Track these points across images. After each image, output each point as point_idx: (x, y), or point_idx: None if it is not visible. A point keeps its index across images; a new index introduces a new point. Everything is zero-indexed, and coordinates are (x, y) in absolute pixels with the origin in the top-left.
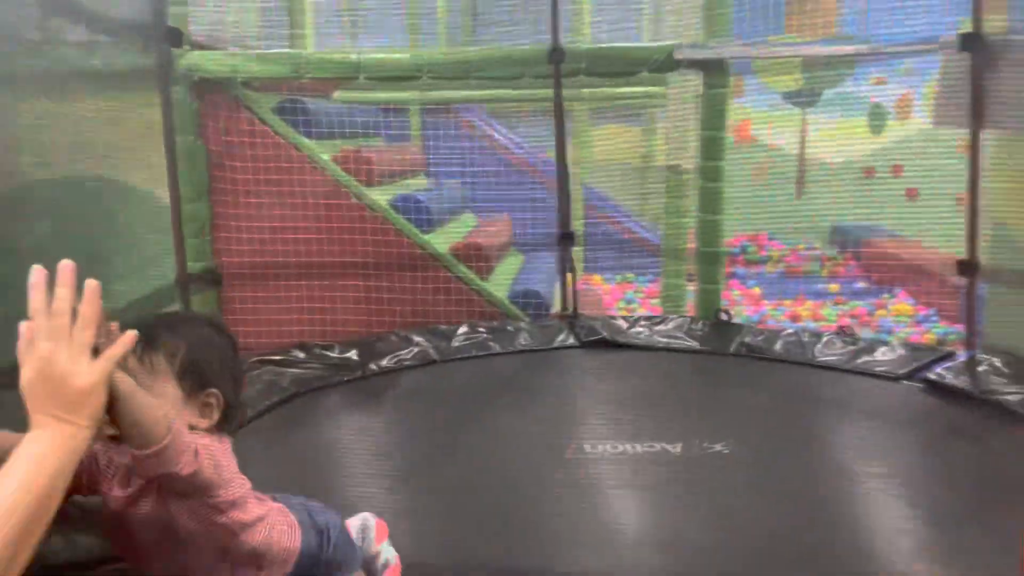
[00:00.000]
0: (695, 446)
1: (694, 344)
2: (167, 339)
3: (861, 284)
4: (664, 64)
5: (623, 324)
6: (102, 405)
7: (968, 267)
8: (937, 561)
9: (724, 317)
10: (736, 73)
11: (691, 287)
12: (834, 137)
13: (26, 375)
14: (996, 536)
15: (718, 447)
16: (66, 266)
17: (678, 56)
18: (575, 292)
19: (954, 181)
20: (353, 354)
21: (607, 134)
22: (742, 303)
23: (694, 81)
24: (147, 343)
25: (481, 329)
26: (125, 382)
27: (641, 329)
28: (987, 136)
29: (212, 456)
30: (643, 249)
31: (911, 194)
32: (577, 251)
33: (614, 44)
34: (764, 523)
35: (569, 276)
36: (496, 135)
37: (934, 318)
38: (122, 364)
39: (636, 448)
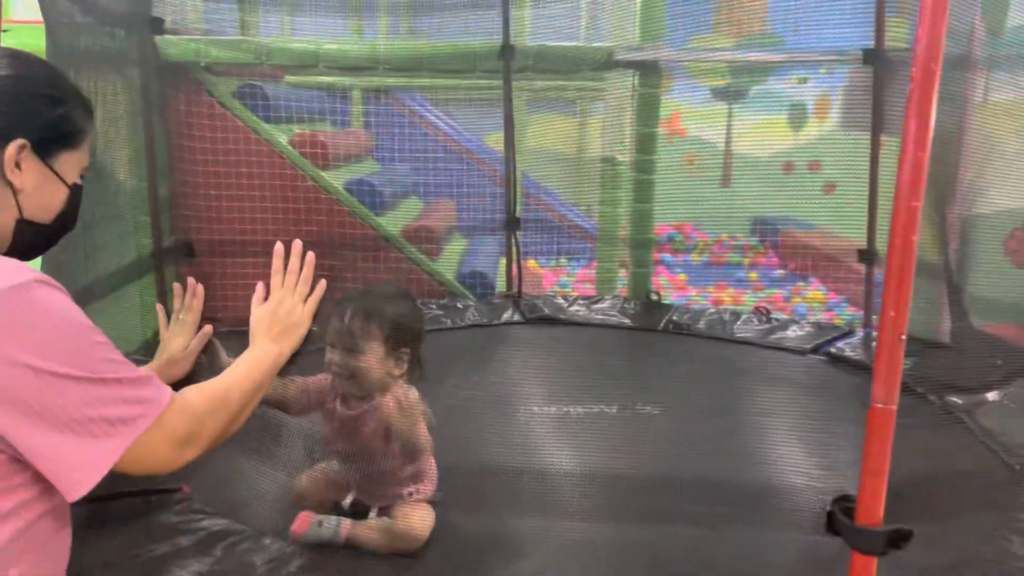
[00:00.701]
0: (629, 407)
1: (627, 321)
2: (380, 312)
3: (778, 273)
4: (604, 64)
5: (563, 303)
6: (302, 338)
7: (867, 255)
8: (822, 489)
9: (654, 298)
10: (668, 71)
11: (623, 273)
12: (758, 132)
13: (258, 312)
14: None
15: (648, 408)
16: (297, 244)
17: (617, 57)
18: (520, 273)
19: (866, 179)
20: (314, 327)
21: (543, 123)
22: (669, 289)
23: (629, 80)
24: (366, 314)
25: (433, 305)
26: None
27: (579, 308)
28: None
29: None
30: (577, 236)
31: (828, 189)
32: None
33: (559, 44)
34: (687, 467)
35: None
36: (437, 122)
37: (844, 304)
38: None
39: (578, 409)
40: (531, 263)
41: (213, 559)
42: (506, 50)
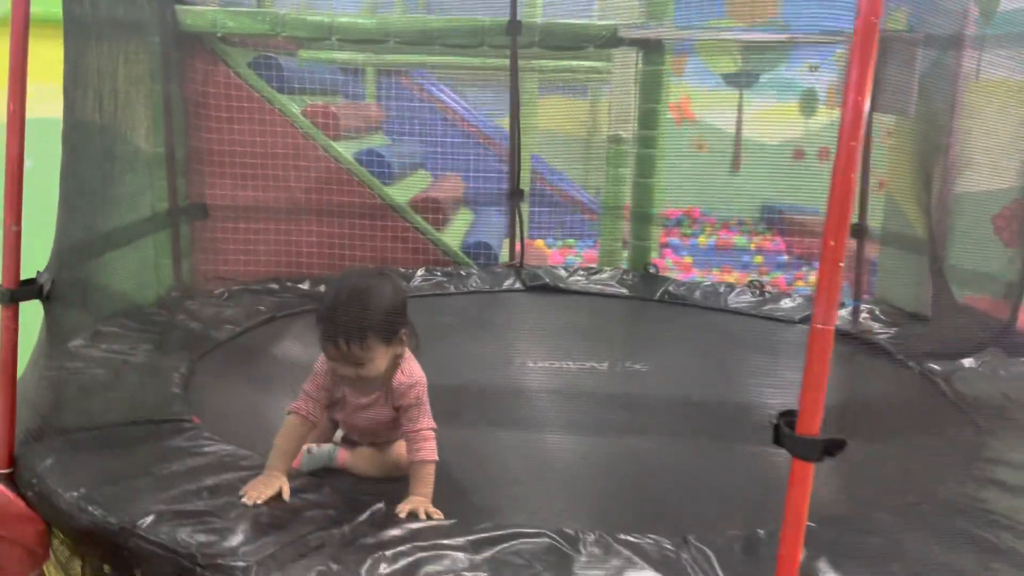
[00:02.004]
0: (619, 365)
1: (624, 291)
2: (370, 324)
3: (784, 257)
4: (609, 41)
5: (563, 273)
6: None
7: (857, 230)
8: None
9: (652, 270)
10: (678, 53)
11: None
12: (769, 119)
13: None
14: (872, 430)
15: (638, 366)
16: None
17: (621, 34)
18: (523, 243)
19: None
20: (322, 287)
21: (554, 105)
22: (674, 270)
23: (634, 57)
24: (360, 336)
25: (437, 272)
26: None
27: (579, 277)
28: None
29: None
30: (585, 216)
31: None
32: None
33: (565, 20)
34: (668, 414)
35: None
36: (448, 100)
37: (846, 289)
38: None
39: (571, 365)
40: (539, 243)
41: (220, 476)
42: (512, 25)
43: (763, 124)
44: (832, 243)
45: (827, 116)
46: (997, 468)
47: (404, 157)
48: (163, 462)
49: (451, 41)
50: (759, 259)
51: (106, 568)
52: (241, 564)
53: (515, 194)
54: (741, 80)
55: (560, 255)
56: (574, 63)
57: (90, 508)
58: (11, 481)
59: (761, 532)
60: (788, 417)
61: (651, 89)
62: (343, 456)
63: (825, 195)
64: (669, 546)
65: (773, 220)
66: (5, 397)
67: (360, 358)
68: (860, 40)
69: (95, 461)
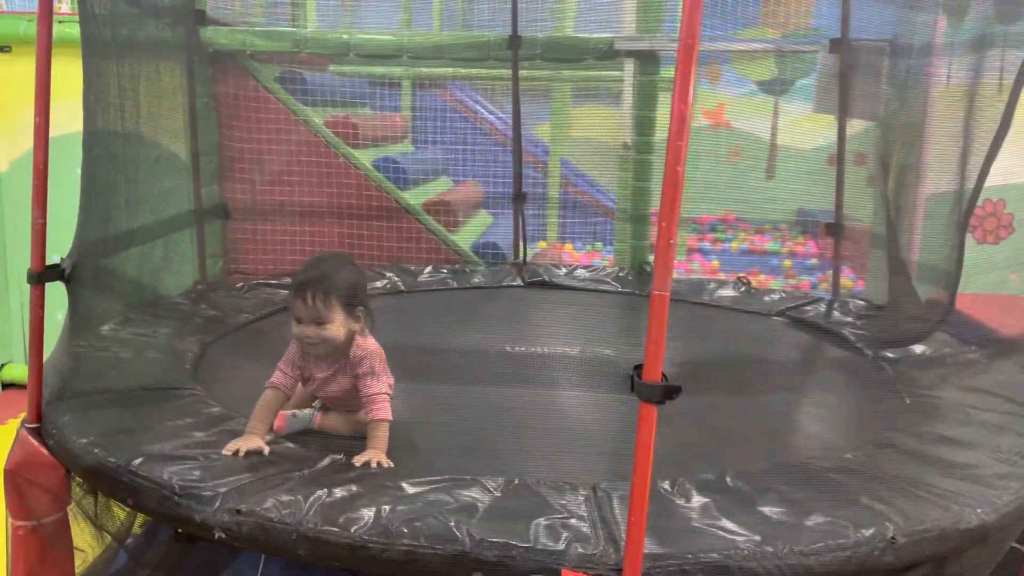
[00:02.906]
0: (589, 350)
1: (616, 286)
2: (336, 285)
3: (812, 261)
4: (606, 53)
5: (561, 271)
6: None
7: (833, 229)
8: (765, 419)
9: (647, 269)
10: (711, 63)
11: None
12: (803, 125)
13: None
14: (805, 404)
15: (607, 352)
16: None
17: (617, 47)
18: (525, 243)
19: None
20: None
21: (585, 113)
22: (699, 273)
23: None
24: (324, 292)
25: (443, 270)
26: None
27: (577, 275)
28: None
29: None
30: (611, 220)
31: (873, 182)
32: (552, 220)
33: (565, 33)
34: (621, 386)
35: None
36: (481, 111)
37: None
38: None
39: (545, 350)
40: (568, 247)
41: (209, 431)
42: (513, 39)
43: (797, 130)
44: (664, 224)
45: (863, 122)
46: (901, 436)
47: (425, 164)
48: (163, 420)
49: (458, 55)
50: (788, 263)
51: (111, 503)
52: (209, 494)
53: (518, 197)
54: (776, 87)
55: (587, 258)
56: (603, 73)
57: (95, 451)
58: (38, 434)
59: (664, 483)
60: (639, 368)
61: (645, 97)
62: (319, 419)
63: (860, 200)
64: (582, 491)
65: (807, 224)
66: (34, 363)
67: (322, 315)
68: (681, 58)
69: (105, 417)
